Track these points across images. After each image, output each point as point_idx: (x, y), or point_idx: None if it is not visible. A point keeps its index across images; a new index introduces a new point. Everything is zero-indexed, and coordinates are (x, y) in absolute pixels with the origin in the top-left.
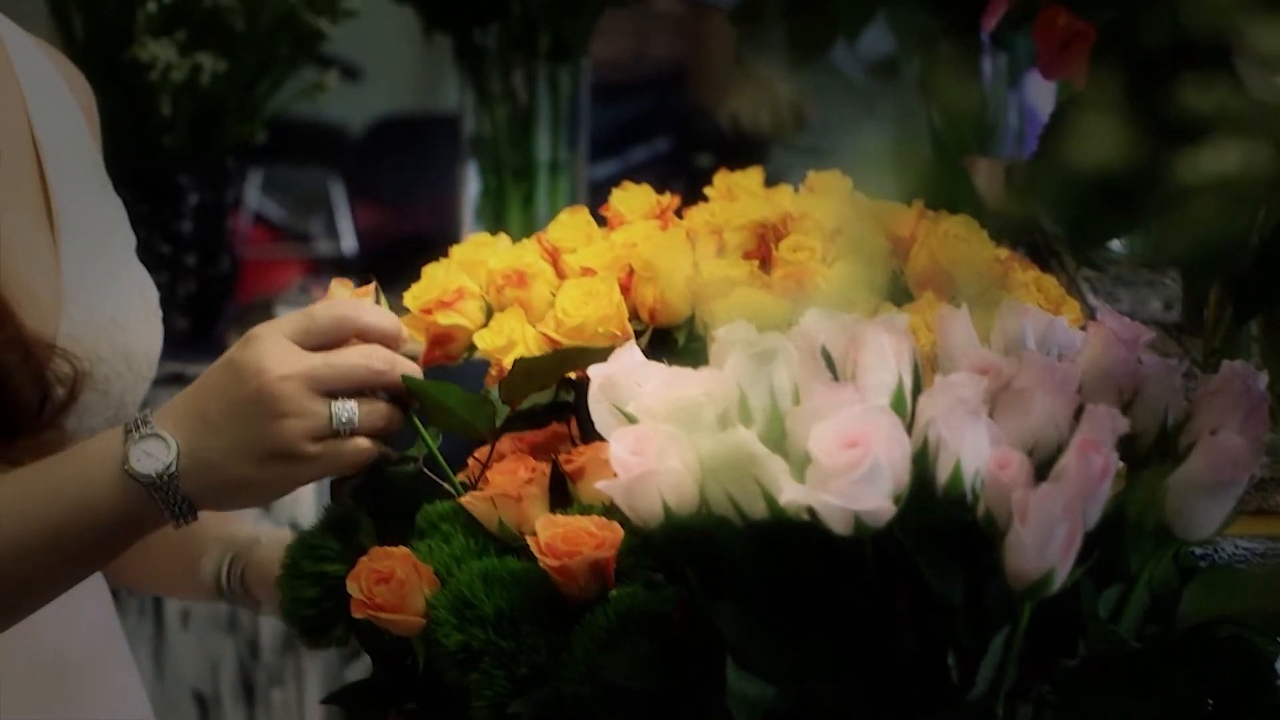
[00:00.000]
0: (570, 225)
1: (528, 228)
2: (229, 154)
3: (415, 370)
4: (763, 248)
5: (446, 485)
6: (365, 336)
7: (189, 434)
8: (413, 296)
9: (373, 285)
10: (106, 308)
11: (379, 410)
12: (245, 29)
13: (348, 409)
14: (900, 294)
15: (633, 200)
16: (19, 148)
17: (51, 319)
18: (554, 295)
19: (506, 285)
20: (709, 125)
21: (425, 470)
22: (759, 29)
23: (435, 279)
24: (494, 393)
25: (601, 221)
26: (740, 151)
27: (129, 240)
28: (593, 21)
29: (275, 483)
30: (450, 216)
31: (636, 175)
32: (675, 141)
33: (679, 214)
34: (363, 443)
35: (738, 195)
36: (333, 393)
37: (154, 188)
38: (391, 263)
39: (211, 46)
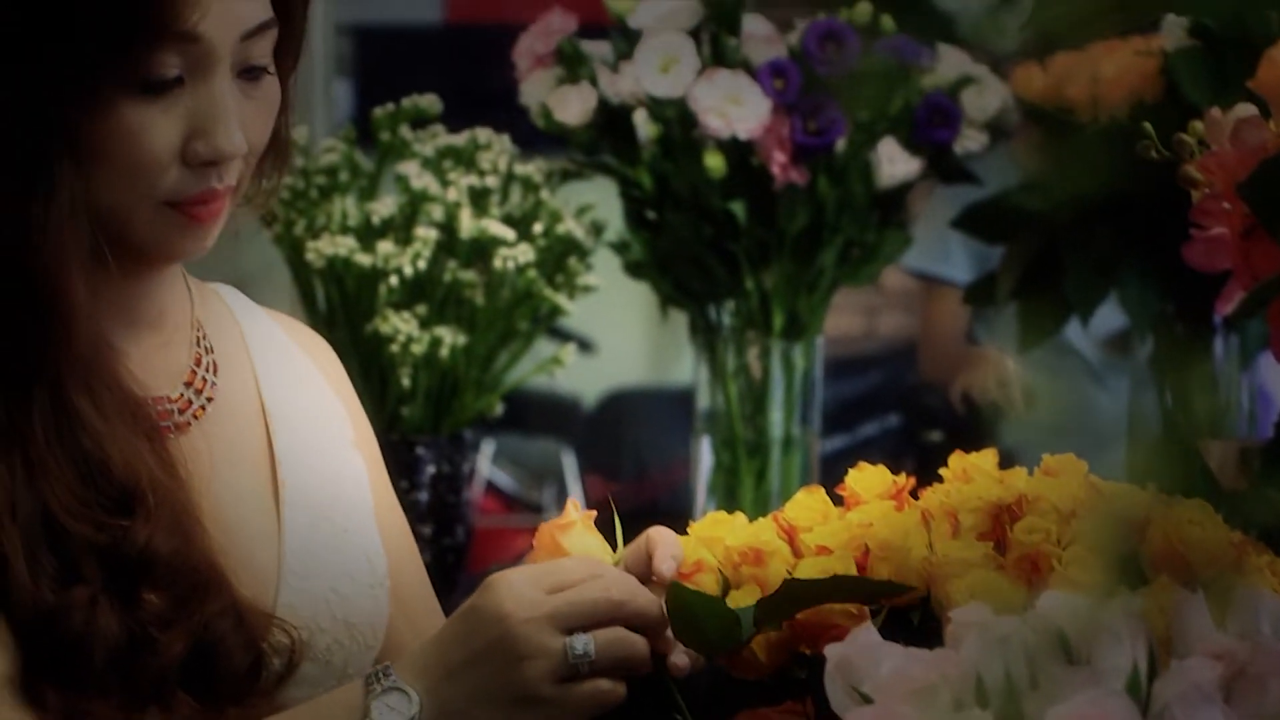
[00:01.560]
0: (807, 505)
1: (760, 503)
2: (466, 426)
3: (656, 601)
4: (998, 529)
5: None
6: None
7: (431, 685)
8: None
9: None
10: (327, 577)
11: (619, 640)
12: (485, 304)
13: (583, 640)
14: (1135, 577)
15: (868, 480)
16: (248, 418)
17: (270, 587)
18: (790, 574)
19: (744, 562)
20: (939, 401)
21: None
22: (992, 307)
23: None
24: (747, 615)
25: (837, 500)
26: (971, 428)
27: (363, 506)
28: (827, 300)
29: None
30: (682, 490)
31: (866, 450)
32: (905, 417)
33: (914, 494)
34: (603, 684)
35: (973, 476)
36: (573, 629)
37: (393, 460)
38: (624, 534)
39: (452, 321)
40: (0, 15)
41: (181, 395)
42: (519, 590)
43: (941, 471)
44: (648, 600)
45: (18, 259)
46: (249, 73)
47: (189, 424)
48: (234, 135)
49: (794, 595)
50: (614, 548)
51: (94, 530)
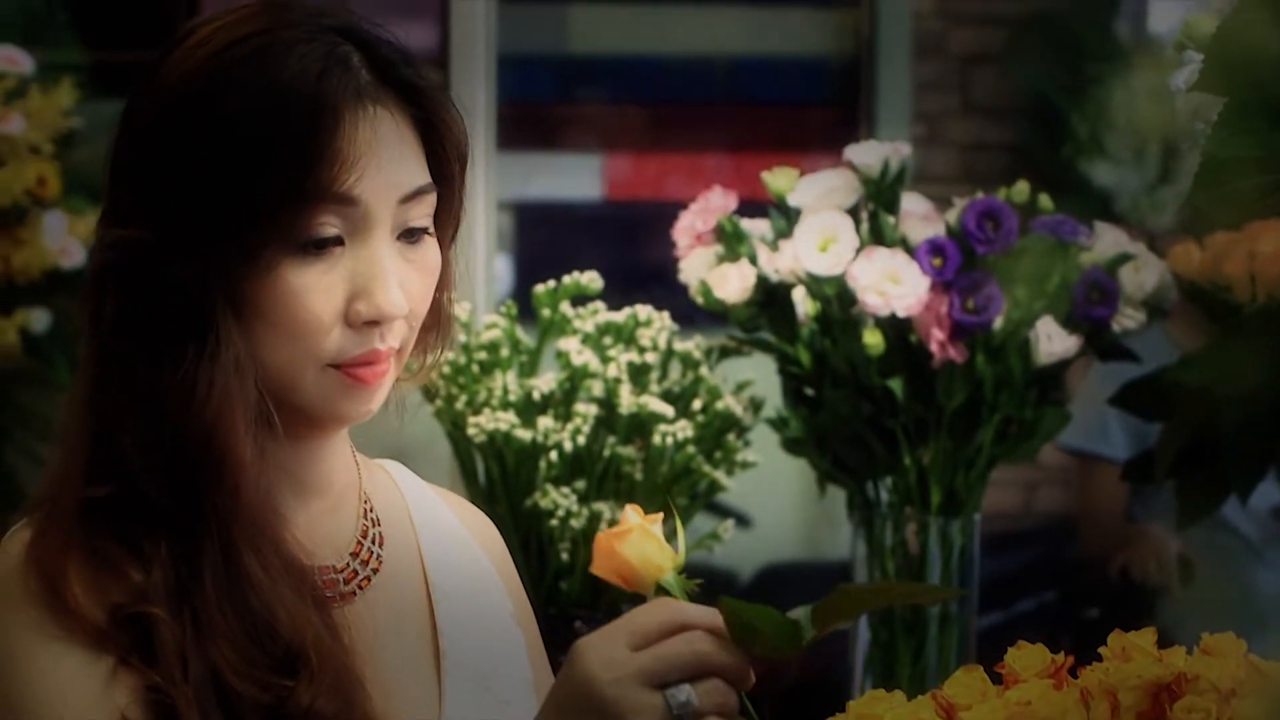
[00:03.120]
0: (965, 682)
1: (918, 680)
2: (624, 600)
3: (735, 655)
4: (1157, 708)
5: None
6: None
7: None
8: None
9: (660, 516)
10: None
11: (716, 688)
12: (644, 480)
13: (684, 692)
14: None
15: (1027, 658)
16: (412, 589)
17: None
18: None
19: None
20: (1096, 577)
21: None
22: (1150, 484)
23: None
24: (804, 617)
25: (994, 677)
26: (1128, 604)
27: (522, 678)
28: (985, 477)
29: None
30: (837, 666)
31: (1022, 627)
32: (1061, 593)
33: (1073, 672)
34: None
35: (1131, 655)
36: (665, 684)
37: (551, 631)
38: (781, 709)
39: (610, 496)
40: (165, 180)
41: (348, 565)
42: (603, 651)
43: (1100, 650)
44: (731, 652)
45: (188, 419)
46: (409, 234)
47: (354, 594)
48: (394, 295)
49: (849, 595)
50: (675, 550)
51: (259, 690)
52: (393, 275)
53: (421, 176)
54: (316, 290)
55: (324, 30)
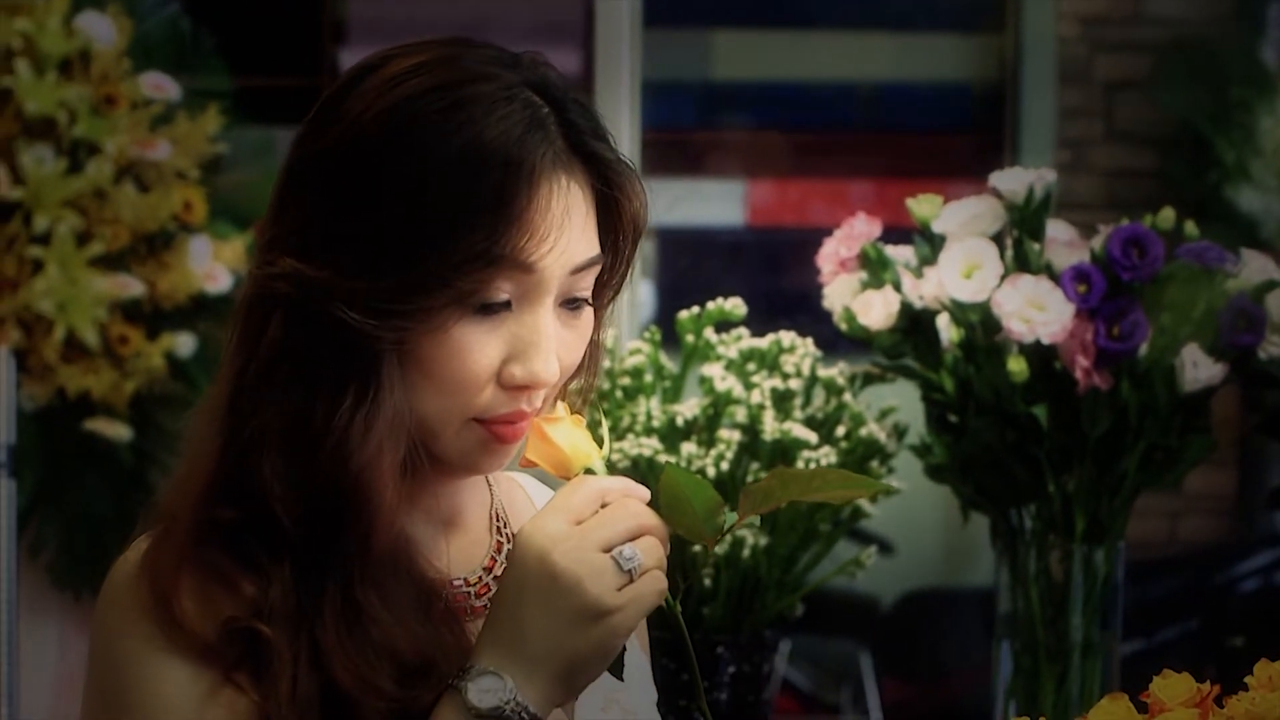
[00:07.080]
0: (1111, 711)
1: (1061, 708)
2: (766, 626)
3: (659, 519)
4: None
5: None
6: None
7: (513, 656)
8: None
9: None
10: None
11: (653, 544)
12: (787, 505)
13: (629, 549)
14: None
15: (1173, 687)
16: None
17: None
18: None
19: None
20: (1242, 606)
21: None
22: None
23: None
24: (730, 515)
25: (1140, 706)
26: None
27: (648, 695)
28: (1129, 504)
29: (598, 648)
30: (980, 694)
31: (1165, 655)
32: (1205, 621)
33: (1219, 701)
34: (658, 574)
35: (1278, 684)
36: (609, 548)
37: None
38: None
39: (753, 522)
40: (350, 225)
41: (480, 580)
42: (549, 529)
43: (1246, 679)
44: (656, 515)
45: (338, 462)
46: (571, 303)
47: (485, 607)
48: (550, 364)
49: (779, 485)
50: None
51: (387, 702)
52: (552, 344)
53: (594, 248)
54: (478, 349)
55: (520, 86)
